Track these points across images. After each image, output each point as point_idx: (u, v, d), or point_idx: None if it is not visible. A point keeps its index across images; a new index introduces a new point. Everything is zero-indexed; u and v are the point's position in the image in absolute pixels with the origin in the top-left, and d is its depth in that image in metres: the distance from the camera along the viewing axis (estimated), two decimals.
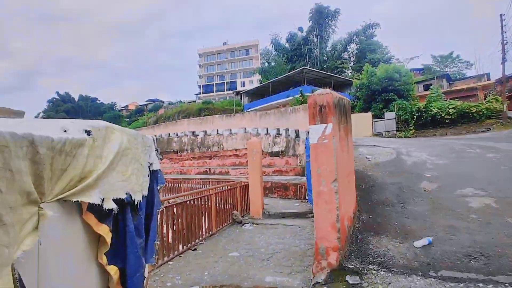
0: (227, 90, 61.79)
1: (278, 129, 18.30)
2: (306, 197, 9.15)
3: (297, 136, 15.68)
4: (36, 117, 70.45)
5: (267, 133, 19.44)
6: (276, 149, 17.74)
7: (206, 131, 26.03)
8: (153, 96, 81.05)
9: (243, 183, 7.46)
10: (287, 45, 42.01)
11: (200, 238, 5.62)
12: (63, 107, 62.37)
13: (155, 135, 32.73)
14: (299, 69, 28.85)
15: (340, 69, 37.24)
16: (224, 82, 65.74)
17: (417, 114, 22.32)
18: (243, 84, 60.15)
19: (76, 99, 67.51)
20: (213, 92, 64.25)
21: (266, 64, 44.73)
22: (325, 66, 37.97)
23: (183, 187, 11.26)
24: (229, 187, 6.97)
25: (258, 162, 7.29)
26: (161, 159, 2.13)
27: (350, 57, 39.55)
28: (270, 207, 8.09)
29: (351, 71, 38.22)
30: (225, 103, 42.31)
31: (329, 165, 3.87)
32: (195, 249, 5.14)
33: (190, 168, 18.15)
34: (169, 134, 30.58)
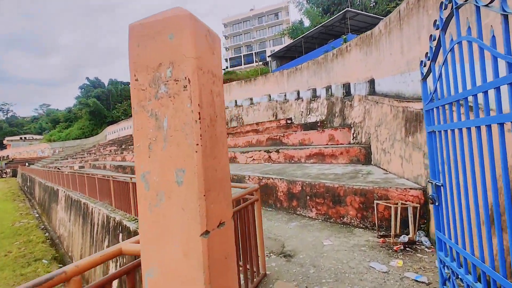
0: (256, 62, 55.26)
1: (314, 90, 12.14)
2: (430, 248, 3.24)
3: (347, 93, 9.48)
4: (74, 104, 70.53)
5: (298, 97, 13.36)
6: (312, 118, 11.71)
7: None
8: None
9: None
10: None
11: None
12: (94, 92, 61.03)
13: None
14: (341, 13, 21.70)
15: None
16: (252, 53, 59.16)
17: None
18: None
19: (106, 84, 65.72)
20: (241, 65, 58.12)
21: (298, 24, 37.04)
22: (372, 13, 29.82)
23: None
24: None
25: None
26: None
27: None
28: None
29: None
30: (251, 72, 36.23)
31: None
32: None
33: None
34: None
